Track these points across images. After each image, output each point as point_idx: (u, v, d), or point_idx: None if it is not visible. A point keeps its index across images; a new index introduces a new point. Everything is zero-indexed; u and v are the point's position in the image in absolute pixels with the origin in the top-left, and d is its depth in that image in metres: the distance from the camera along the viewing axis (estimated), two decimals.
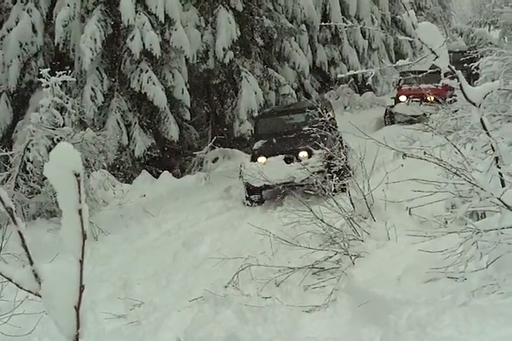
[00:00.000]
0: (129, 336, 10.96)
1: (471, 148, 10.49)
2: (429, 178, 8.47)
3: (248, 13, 26.56)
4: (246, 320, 10.14)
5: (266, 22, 26.73)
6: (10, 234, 10.87)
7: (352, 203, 13.36)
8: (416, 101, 25.29)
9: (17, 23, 23.82)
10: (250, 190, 17.54)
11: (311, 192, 14.16)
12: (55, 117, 17.88)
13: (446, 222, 8.58)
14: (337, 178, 14.24)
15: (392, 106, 27.03)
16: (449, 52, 7.81)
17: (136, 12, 22.06)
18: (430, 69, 8.92)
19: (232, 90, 26.24)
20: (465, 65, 14.21)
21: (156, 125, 23.51)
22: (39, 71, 18.77)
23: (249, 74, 25.74)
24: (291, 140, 17.99)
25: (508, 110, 10.74)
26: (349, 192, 13.94)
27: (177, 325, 10.68)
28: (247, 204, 17.75)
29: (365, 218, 12.87)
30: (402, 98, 26.60)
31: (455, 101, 14.03)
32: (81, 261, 1.82)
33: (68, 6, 22.39)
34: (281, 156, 17.22)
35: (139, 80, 22.54)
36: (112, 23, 22.73)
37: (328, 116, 16.25)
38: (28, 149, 17.71)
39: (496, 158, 7.41)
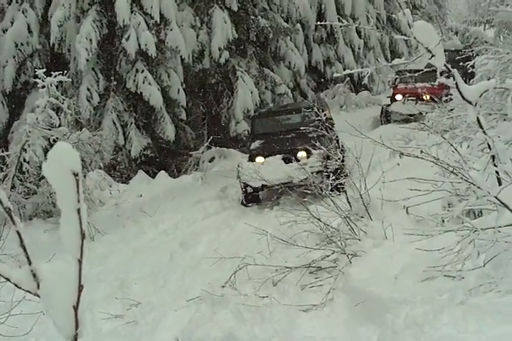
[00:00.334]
0: (126, 336, 10.95)
1: (468, 146, 10.51)
2: (425, 177, 8.48)
3: (243, 12, 26.54)
4: (243, 319, 10.15)
5: (261, 21, 26.72)
6: (7, 235, 10.88)
7: (349, 202, 13.37)
8: (412, 100, 25.31)
9: (12, 23, 23.80)
10: (248, 190, 17.42)
11: (308, 192, 14.14)
12: (51, 118, 17.87)
13: (443, 221, 8.60)
14: (333, 177, 14.23)
15: (388, 105, 27.04)
16: (445, 51, 7.82)
17: (132, 12, 22.05)
18: (426, 68, 8.95)
19: (228, 90, 26.22)
20: (461, 63, 14.22)
21: (152, 125, 23.50)
22: (35, 71, 18.74)
23: (245, 74, 25.73)
24: (288, 140, 17.87)
25: (504, 108, 10.74)
26: (345, 191, 13.96)
27: (174, 325, 10.68)
28: (245, 205, 17.65)
29: (361, 217, 12.87)
30: (398, 97, 26.61)
31: (451, 99, 14.06)
32: (80, 261, 1.81)
33: (63, 6, 22.36)
34: (280, 156, 17.11)
35: (134, 80, 22.53)
36: (108, 23, 22.72)
37: (325, 115, 16.23)
38: (25, 150, 17.70)
39: (493, 157, 7.41)
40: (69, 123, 19.32)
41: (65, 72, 18.66)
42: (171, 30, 22.90)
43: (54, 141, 17.32)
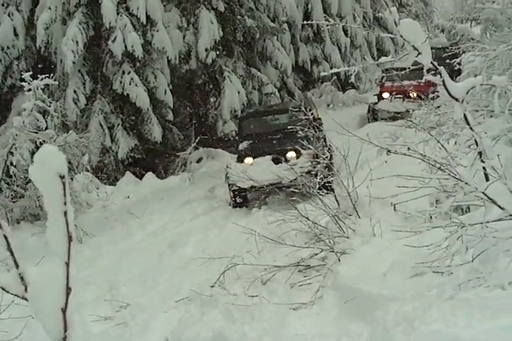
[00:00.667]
0: (116, 338, 10.94)
1: (455, 143, 10.52)
2: (413, 174, 8.48)
3: (230, 12, 26.52)
4: (233, 319, 10.15)
5: (248, 21, 26.71)
6: None
7: (337, 200, 13.39)
8: (399, 97, 25.35)
9: None
10: (236, 191, 17.27)
11: (296, 191, 14.13)
12: (37, 121, 17.81)
13: (431, 217, 8.59)
14: (321, 176, 14.22)
15: (375, 103, 27.11)
16: (431, 48, 7.83)
17: (118, 13, 21.98)
18: (412, 65, 8.96)
19: (215, 90, 26.20)
20: (447, 61, 14.25)
21: (139, 126, 23.43)
22: (21, 75, 18.68)
23: (232, 74, 25.71)
24: (277, 140, 17.77)
25: (491, 105, 10.76)
26: (333, 189, 13.98)
27: (164, 326, 10.69)
28: (233, 206, 17.50)
29: (350, 215, 12.90)
30: (385, 95, 26.68)
31: (438, 97, 14.07)
32: (67, 264, 1.80)
33: (50, 8, 22.29)
34: (269, 157, 17.00)
35: (121, 82, 22.47)
36: (94, 25, 22.63)
37: (312, 114, 16.22)
38: (11, 153, 17.62)
39: (480, 153, 7.44)
40: (56, 126, 19.26)
41: (52, 74, 18.65)
42: (158, 31, 22.85)
43: (41, 144, 17.24)
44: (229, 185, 17.30)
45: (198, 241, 15.25)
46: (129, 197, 20.10)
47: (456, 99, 7.47)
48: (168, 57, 23.57)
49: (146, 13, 22.32)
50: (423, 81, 23.52)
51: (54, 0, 22.24)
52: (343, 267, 10.65)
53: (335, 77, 34.59)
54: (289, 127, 16.58)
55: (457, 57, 13.86)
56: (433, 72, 7.63)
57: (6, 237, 1.79)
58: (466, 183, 7.13)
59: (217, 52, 25.37)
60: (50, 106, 18.12)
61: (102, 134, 22.52)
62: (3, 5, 24.08)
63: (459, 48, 16.63)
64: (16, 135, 17.55)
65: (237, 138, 20.54)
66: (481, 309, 6.64)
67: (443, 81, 7.42)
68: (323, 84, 34.39)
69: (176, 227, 16.79)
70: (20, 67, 23.90)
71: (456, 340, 6.24)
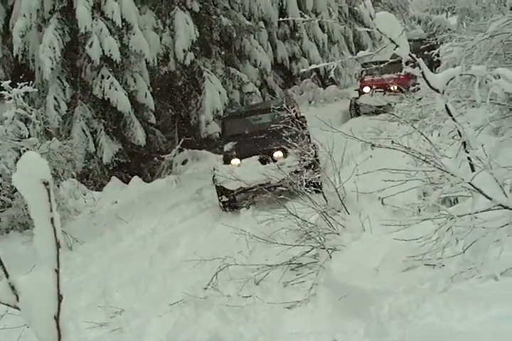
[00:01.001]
0: None
1: (438, 134, 10.56)
2: (399, 167, 8.49)
3: (205, 13, 26.53)
4: (228, 320, 10.15)
5: (224, 21, 26.74)
6: None
7: (324, 197, 13.41)
8: (379, 91, 25.40)
9: None
10: (224, 193, 17.10)
11: (284, 189, 14.12)
12: (20, 129, 17.76)
13: (419, 210, 8.61)
14: (307, 173, 14.23)
15: (356, 98, 27.14)
16: (409, 40, 7.85)
17: (93, 18, 21.94)
18: (391, 58, 8.97)
19: (196, 91, 26.18)
20: (425, 52, 14.29)
21: (121, 130, 23.40)
22: (0, 83, 18.60)
23: (212, 74, 25.72)
24: (262, 140, 17.55)
25: (472, 95, 10.79)
26: (321, 186, 14.01)
27: (159, 330, 10.66)
28: (223, 210, 17.29)
29: (338, 211, 12.92)
30: (366, 89, 26.71)
31: (418, 89, 14.11)
32: (57, 271, 1.80)
33: (24, 16, 22.24)
34: (256, 157, 16.83)
35: (101, 87, 22.42)
36: (70, 30, 22.57)
37: (294, 111, 16.20)
38: None
39: (464, 143, 7.46)
40: (38, 133, 19.18)
41: (31, 82, 18.56)
42: (134, 34, 22.82)
43: (25, 152, 17.18)
44: (217, 187, 17.12)
45: (188, 243, 15.23)
46: (116, 202, 20.05)
47: (437, 91, 7.49)
48: (146, 60, 23.56)
49: (122, 17, 22.28)
50: (403, 73, 23.56)
51: (28, 7, 22.17)
52: (334, 264, 10.66)
53: (315, 73, 34.63)
54: (272, 126, 16.49)
55: (435, 49, 13.89)
56: (412, 64, 7.65)
57: None
58: (451, 174, 7.15)
59: (195, 53, 25.39)
60: (31, 114, 18.08)
61: (85, 140, 22.48)
62: None
63: (436, 39, 16.69)
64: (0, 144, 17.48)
65: (221, 138, 20.33)
66: (474, 300, 6.66)
67: (422, 73, 7.44)
68: (304, 81, 34.39)
69: (166, 230, 16.75)
70: None
71: (450, 332, 6.25)
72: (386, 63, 9.53)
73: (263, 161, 16.65)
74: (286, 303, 10.41)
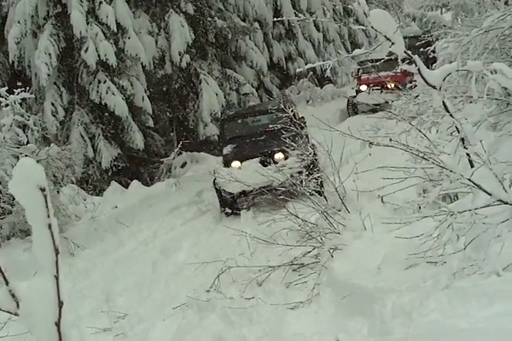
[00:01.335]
0: None
1: (437, 131, 10.54)
2: (398, 165, 8.47)
3: (200, 15, 26.55)
4: (231, 322, 10.13)
5: (218, 22, 26.76)
6: None
7: (325, 197, 13.38)
8: (377, 89, 25.35)
9: None
10: (226, 197, 16.84)
11: (282, 189, 14.09)
12: (18, 135, 17.75)
13: (420, 207, 8.60)
14: (307, 173, 14.20)
15: (353, 97, 27.08)
16: (404, 37, 7.84)
17: (88, 23, 21.96)
18: (387, 56, 8.96)
19: (193, 93, 26.21)
20: (421, 49, 14.26)
21: (120, 135, 23.40)
22: None
23: (208, 76, 25.73)
24: (262, 142, 17.29)
25: (469, 91, 10.78)
26: (320, 184, 13.98)
27: (163, 334, 10.67)
28: (226, 215, 16.92)
29: (339, 210, 12.89)
30: (363, 87, 26.68)
31: (415, 86, 14.08)
32: (56, 277, 1.79)
33: (19, 22, 22.27)
34: (257, 159, 16.51)
35: (98, 91, 22.43)
36: (65, 36, 22.61)
37: (292, 111, 16.07)
38: None
39: (462, 139, 7.44)
40: (36, 139, 19.20)
41: (28, 88, 18.55)
42: (129, 38, 22.84)
43: None
44: (218, 191, 16.90)
45: (190, 246, 15.20)
46: (116, 207, 20.04)
47: (434, 87, 7.47)
48: (142, 64, 23.58)
49: (116, 21, 22.30)
50: (399, 71, 23.59)
51: (22, 14, 22.19)
52: (336, 263, 10.64)
53: (311, 72, 34.64)
54: (271, 127, 16.21)
55: (431, 45, 13.87)
56: (408, 61, 7.63)
57: None
58: (450, 171, 7.13)
59: (191, 56, 25.42)
60: (29, 121, 18.07)
61: (84, 145, 22.50)
62: None
63: (431, 36, 16.65)
64: None
65: (219, 141, 20.15)
66: (477, 297, 6.64)
67: (418, 70, 7.42)
68: (301, 81, 34.38)
69: (167, 234, 16.73)
70: None
71: (454, 329, 6.23)
72: (382, 61, 9.53)
73: (264, 163, 16.38)
74: (289, 304, 10.39)
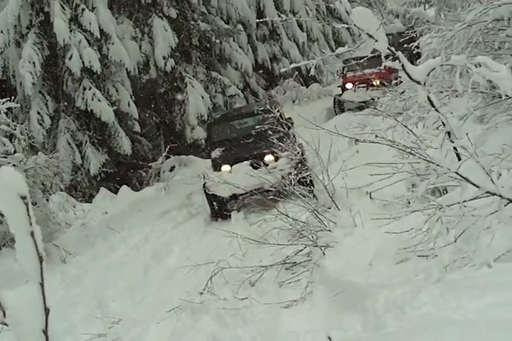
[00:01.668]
0: None
1: (423, 126, 10.57)
2: (386, 161, 8.49)
3: (183, 19, 26.56)
4: (225, 323, 10.13)
5: (202, 26, 26.77)
6: None
7: (314, 195, 13.40)
8: (362, 87, 25.38)
9: None
10: (217, 202, 16.67)
11: (274, 190, 14.10)
12: (4, 145, 17.70)
13: (409, 202, 8.63)
14: (295, 172, 14.21)
15: (339, 95, 27.09)
16: (388, 34, 7.86)
17: (71, 31, 21.94)
18: (372, 53, 8.98)
19: (179, 97, 26.18)
20: (405, 45, 14.30)
21: (107, 141, 23.38)
22: None
23: (193, 80, 25.74)
24: (251, 144, 17.03)
25: (454, 85, 10.82)
26: (310, 183, 14.00)
27: (158, 338, 10.69)
28: (215, 219, 16.73)
29: (329, 208, 12.91)
30: (349, 85, 26.66)
31: (401, 82, 14.13)
32: (41, 284, 1.78)
33: (2, 32, 22.24)
34: (247, 162, 16.30)
35: (83, 98, 22.41)
36: (48, 44, 22.58)
37: (278, 111, 15.96)
38: None
39: (448, 133, 7.46)
40: (24, 148, 19.19)
41: (13, 97, 18.51)
42: (113, 44, 22.84)
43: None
44: (208, 195, 16.68)
45: (181, 249, 15.20)
46: (106, 213, 20.02)
47: (418, 83, 7.50)
48: (127, 69, 23.58)
49: (99, 28, 22.30)
50: (383, 67, 23.62)
51: (5, 23, 22.16)
52: (328, 260, 10.66)
53: (296, 72, 34.63)
54: (258, 128, 15.99)
55: (415, 41, 13.90)
56: (392, 57, 7.66)
57: None
58: (437, 165, 7.16)
59: (176, 59, 25.43)
60: (15, 130, 18.01)
61: (72, 152, 22.47)
62: None
63: (415, 32, 16.69)
64: None
65: (207, 145, 19.86)
66: (469, 289, 6.66)
67: (402, 66, 7.45)
68: (286, 81, 34.39)
69: (158, 238, 16.72)
70: None
71: (447, 322, 6.25)
72: (366, 58, 9.55)
73: (254, 166, 16.15)
74: (283, 303, 10.40)
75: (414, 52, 14.87)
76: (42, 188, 17.63)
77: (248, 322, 9.98)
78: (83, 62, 21.79)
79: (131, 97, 23.69)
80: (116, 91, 23.22)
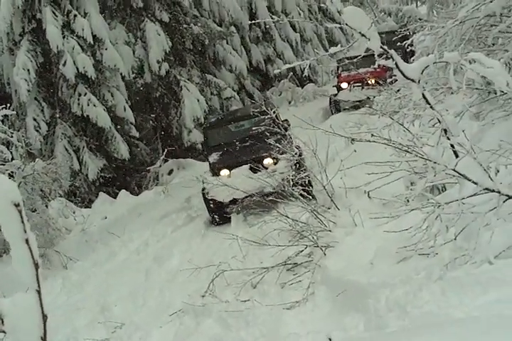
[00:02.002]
0: None
1: (420, 124, 10.58)
2: (384, 160, 8.50)
3: (175, 22, 26.56)
4: (228, 326, 10.14)
5: (195, 29, 26.74)
6: None
7: (313, 195, 13.41)
8: (358, 86, 25.35)
9: None
10: (217, 207, 16.44)
11: (272, 192, 14.10)
12: (2, 152, 17.69)
13: (408, 200, 8.63)
14: (293, 173, 14.21)
15: (335, 95, 27.05)
16: (381, 33, 7.87)
17: (64, 37, 21.94)
18: (366, 52, 8.98)
19: (175, 101, 26.18)
20: (398, 43, 14.29)
21: (104, 146, 23.38)
22: None
23: (188, 83, 25.73)
24: (249, 148, 16.79)
25: (449, 82, 10.83)
26: (309, 183, 14.00)
27: None
28: (215, 224, 16.56)
29: (328, 208, 12.92)
30: (344, 85, 26.61)
31: (396, 80, 14.13)
32: (38, 291, 1.79)
33: None
34: (246, 166, 16.04)
35: (79, 104, 22.41)
36: (42, 51, 22.59)
37: (274, 112, 15.88)
38: None
39: (445, 130, 7.47)
40: (21, 155, 19.17)
41: (9, 105, 18.50)
42: (106, 49, 22.84)
43: (9, 175, 17.13)
44: (208, 200, 16.46)
45: (182, 252, 15.19)
46: (106, 218, 20.02)
47: (412, 80, 7.51)
48: (121, 74, 23.59)
49: (92, 33, 22.31)
50: (376, 66, 23.60)
51: None
52: (329, 261, 10.66)
53: (291, 73, 34.62)
54: (254, 129, 16.02)
55: (408, 39, 13.90)
56: (385, 56, 7.66)
57: None
58: (434, 162, 7.16)
59: (170, 63, 25.44)
60: (12, 137, 18.00)
61: (69, 158, 22.46)
62: None
63: (408, 30, 16.69)
64: None
65: (203, 149, 19.62)
66: (470, 286, 6.67)
67: (396, 64, 7.45)
68: (281, 82, 34.37)
69: (158, 242, 16.71)
70: None
71: (449, 320, 6.26)
72: (360, 57, 9.56)
73: (253, 169, 15.86)
74: (285, 304, 10.40)
75: (407, 50, 14.85)
76: (41, 194, 17.63)
77: (251, 324, 9.98)
78: (77, 68, 21.80)
79: (126, 102, 23.69)
80: (112, 96, 23.22)
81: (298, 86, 34.70)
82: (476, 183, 7.06)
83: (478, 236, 7.13)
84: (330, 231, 11.91)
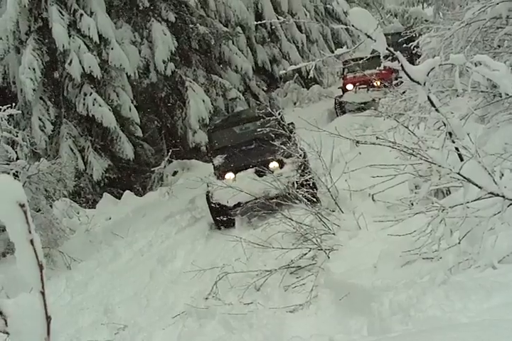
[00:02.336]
0: None
1: (425, 126, 10.55)
2: (388, 163, 8.47)
3: (181, 22, 26.57)
4: (231, 328, 10.12)
5: (201, 29, 26.75)
6: None
7: (317, 198, 13.38)
8: (363, 88, 25.32)
9: None
10: (221, 211, 16.02)
11: (278, 196, 14.05)
12: (7, 152, 17.69)
13: (412, 204, 8.60)
14: (298, 175, 14.17)
15: (340, 96, 27.02)
16: (387, 34, 7.84)
17: (70, 36, 21.97)
18: (371, 54, 8.95)
19: (180, 101, 26.21)
20: (404, 45, 14.27)
21: (109, 146, 23.41)
22: None
23: (194, 83, 25.74)
24: (254, 151, 16.54)
25: (455, 84, 10.79)
26: (313, 186, 13.96)
27: None
28: (219, 228, 16.18)
29: (332, 211, 12.88)
30: (349, 86, 26.57)
31: (401, 82, 14.10)
32: (42, 292, 1.77)
33: (1, 39, 22.26)
34: (252, 170, 15.72)
35: (84, 104, 22.44)
36: (48, 50, 22.63)
37: (279, 113, 15.78)
38: None
39: (450, 133, 7.42)
40: (26, 155, 19.21)
41: (14, 104, 18.52)
42: (112, 49, 22.86)
43: (14, 175, 17.13)
44: (212, 204, 16.10)
45: (186, 254, 15.17)
46: (110, 218, 20.05)
47: (418, 83, 7.47)
48: (127, 74, 23.60)
49: (98, 33, 22.34)
50: (382, 68, 23.57)
51: (4, 30, 22.19)
52: (333, 264, 10.63)
53: (297, 74, 34.63)
54: (260, 133, 15.76)
55: (414, 41, 13.87)
56: (391, 58, 7.63)
57: None
58: (439, 166, 7.12)
59: (176, 63, 25.46)
60: (17, 136, 18.00)
61: (74, 158, 22.47)
62: None
63: (414, 31, 16.67)
64: None
65: (208, 152, 19.17)
66: (474, 290, 6.63)
67: (401, 66, 7.41)
68: (287, 83, 34.39)
69: (162, 243, 16.70)
70: None
71: (453, 324, 6.22)
72: (366, 59, 9.53)
73: (260, 173, 15.51)
74: (289, 307, 10.37)
75: (413, 51, 14.81)
76: (45, 194, 17.63)
77: (254, 327, 9.96)
78: (83, 68, 21.83)
79: (132, 102, 23.72)
80: (117, 96, 23.26)
81: (303, 87, 34.73)
82: (480, 187, 7.01)
83: (482, 241, 7.10)
84: (334, 234, 11.87)
